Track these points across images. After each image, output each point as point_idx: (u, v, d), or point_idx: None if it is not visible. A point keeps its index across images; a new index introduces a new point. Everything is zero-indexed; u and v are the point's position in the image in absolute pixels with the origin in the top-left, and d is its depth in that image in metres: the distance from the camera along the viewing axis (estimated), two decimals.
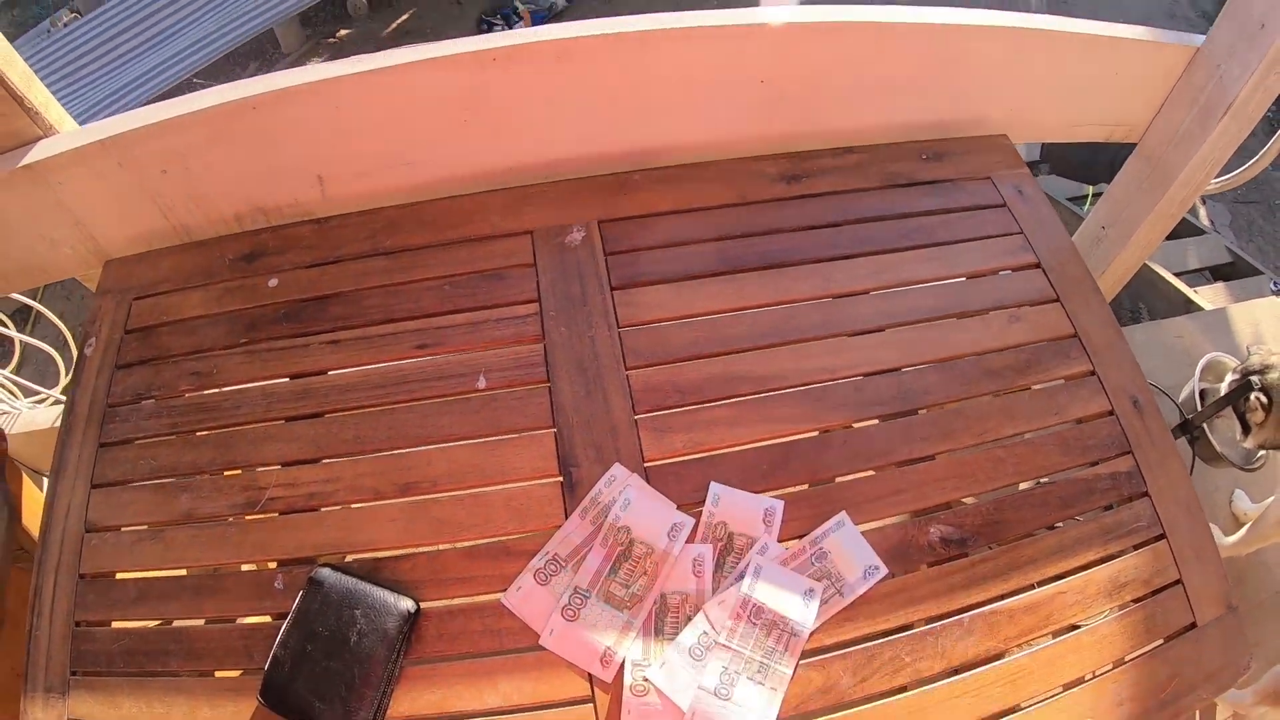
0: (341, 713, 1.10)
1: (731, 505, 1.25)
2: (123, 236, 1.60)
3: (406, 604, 1.16)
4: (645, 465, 1.29)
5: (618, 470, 1.27)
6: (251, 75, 5.98)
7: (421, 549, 1.25)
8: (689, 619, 1.16)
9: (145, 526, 1.29)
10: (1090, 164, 3.76)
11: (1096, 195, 3.91)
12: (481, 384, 1.37)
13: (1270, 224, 5.02)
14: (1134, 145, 1.92)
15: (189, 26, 5.71)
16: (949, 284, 1.53)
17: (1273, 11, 1.52)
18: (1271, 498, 1.72)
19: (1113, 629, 1.21)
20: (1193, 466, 1.98)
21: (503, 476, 1.29)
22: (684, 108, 1.63)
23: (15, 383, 2.34)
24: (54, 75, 5.05)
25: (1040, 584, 1.24)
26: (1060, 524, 1.30)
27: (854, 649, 1.16)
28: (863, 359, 1.42)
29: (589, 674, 1.13)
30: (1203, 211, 4.77)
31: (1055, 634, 1.20)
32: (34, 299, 1.93)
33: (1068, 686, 1.17)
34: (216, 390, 1.42)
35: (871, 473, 1.32)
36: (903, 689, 1.15)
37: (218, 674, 1.19)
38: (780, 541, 1.23)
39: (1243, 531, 1.84)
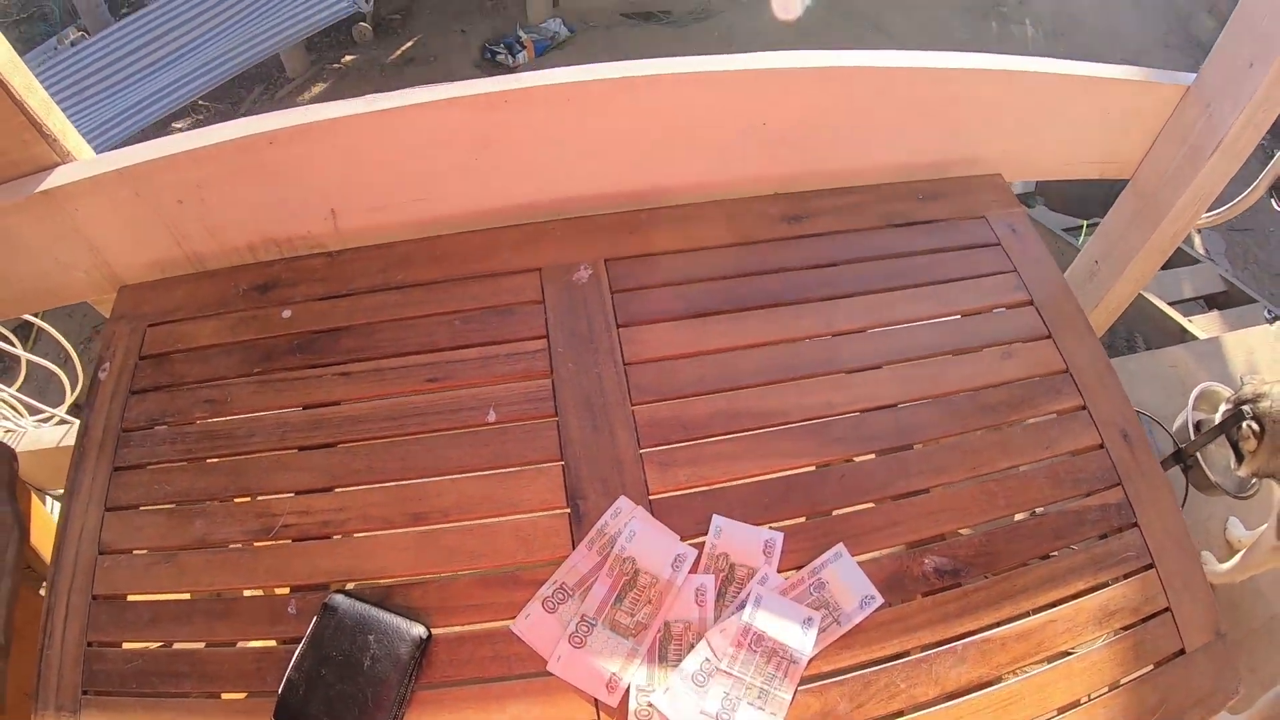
0: None
1: (733, 537, 1.28)
2: (137, 263, 1.63)
3: (418, 630, 1.19)
4: (650, 498, 1.32)
5: (623, 503, 1.30)
6: (257, 99, 6.08)
7: (432, 577, 1.27)
8: (692, 646, 1.18)
9: (159, 550, 1.31)
10: (1084, 198, 3.81)
11: (1092, 225, 3.95)
12: (491, 417, 1.40)
13: (1265, 252, 5.05)
14: (1126, 181, 1.96)
15: (196, 50, 5.73)
16: (944, 322, 1.57)
17: (1261, 51, 1.56)
18: (1265, 525, 1.74)
19: (1103, 655, 1.24)
20: (1186, 495, 2.00)
21: (512, 508, 1.32)
22: (689, 149, 1.67)
23: (21, 401, 2.32)
24: (60, 94, 5.08)
25: (1032, 612, 1.27)
26: (1052, 554, 1.33)
27: (851, 676, 1.19)
28: (861, 395, 1.45)
29: (595, 699, 1.15)
30: (1197, 240, 4.80)
31: (1047, 660, 1.23)
32: (36, 315, 1.94)
33: (1059, 711, 1.19)
34: (230, 418, 1.44)
35: (868, 506, 1.35)
36: (898, 714, 1.17)
37: (230, 696, 1.20)
38: (780, 572, 1.26)
39: (1237, 558, 1.85)
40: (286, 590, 1.27)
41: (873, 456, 1.40)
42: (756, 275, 1.60)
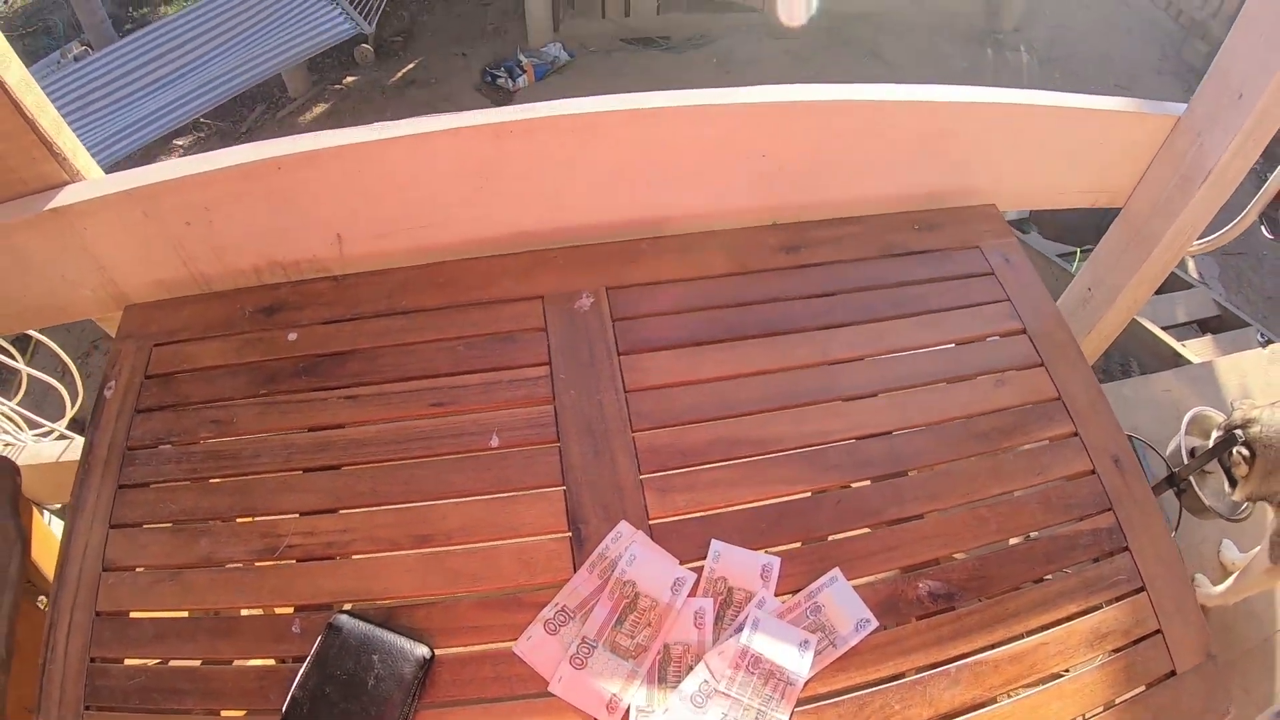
0: None
1: (731, 561, 1.30)
2: (143, 283, 1.64)
3: (421, 650, 1.20)
4: (650, 523, 1.34)
5: (624, 527, 1.32)
6: (258, 118, 6.11)
7: (435, 598, 1.28)
8: (691, 668, 1.20)
9: (163, 568, 1.32)
10: (1076, 226, 3.84)
11: (1085, 252, 3.97)
12: (494, 443, 1.42)
13: (1258, 275, 5.09)
14: (1119, 209, 1.99)
15: (199, 68, 5.77)
16: (939, 350, 1.60)
17: (1250, 82, 1.60)
18: (1258, 547, 1.74)
19: (1094, 677, 1.26)
20: (1179, 518, 2.01)
21: (514, 531, 1.33)
22: (689, 179, 1.70)
23: (20, 415, 2.32)
24: (64, 109, 5.14)
25: (1025, 635, 1.28)
26: (1044, 578, 1.35)
27: (846, 698, 1.20)
28: (856, 423, 1.48)
29: (595, 719, 1.17)
30: (1191, 265, 4.83)
31: (1039, 682, 1.25)
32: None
33: None
34: (235, 439, 1.45)
35: (864, 531, 1.37)
36: None
37: (232, 713, 1.22)
38: (777, 595, 1.28)
39: (1230, 580, 1.84)
40: (290, 610, 1.28)
41: (868, 483, 1.42)
42: (755, 304, 1.63)
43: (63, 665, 1.23)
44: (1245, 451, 1.61)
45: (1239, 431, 1.64)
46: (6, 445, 2.29)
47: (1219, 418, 1.85)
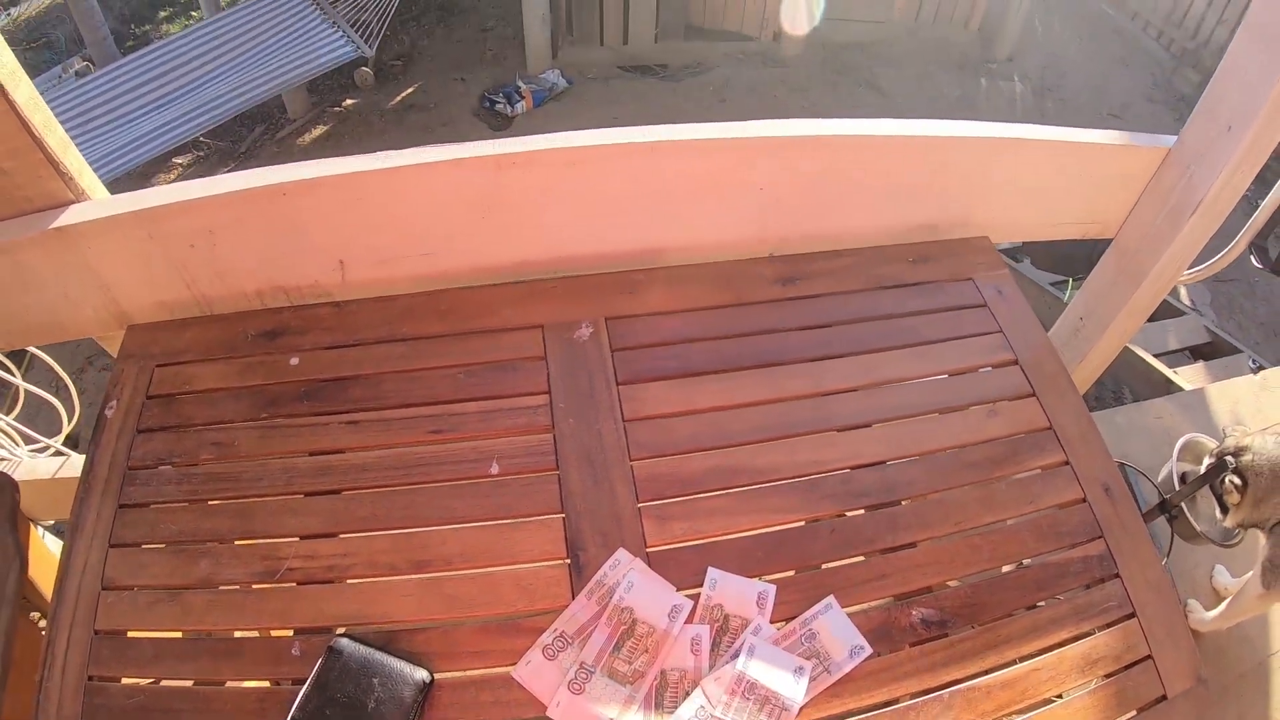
0: None
1: (727, 589, 1.31)
2: (145, 303, 1.65)
3: (421, 674, 1.20)
4: (647, 550, 1.35)
5: (622, 555, 1.33)
6: (258, 138, 6.15)
7: (435, 623, 1.28)
8: (687, 694, 1.21)
9: (163, 588, 1.31)
10: (1069, 256, 3.87)
11: (1078, 280, 4.00)
12: (494, 470, 1.43)
13: (1250, 301, 5.13)
14: (1110, 240, 2.02)
15: (200, 88, 5.79)
16: (932, 381, 1.62)
17: (1239, 115, 1.63)
18: (1250, 573, 1.74)
19: (1086, 702, 1.27)
20: (1171, 544, 2.02)
21: (513, 558, 1.34)
22: (687, 211, 1.72)
23: (17, 430, 2.31)
24: (63, 124, 5.20)
25: (1017, 661, 1.30)
26: (1036, 605, 1.36)
27: None
28: (851, 453, 1.50)
29: None
30: (1183, 291, 4.87)
31: (1032, 708, 1.26)
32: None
33: None
34: (236, 462, 1.45)
35: (858, 559, 1.38)
36: None
37: None
38: (772, 623, 1.29)
39: (1223, 606, 1.84)
40: (290, 632, 1.28)
41: (862, 512, 1.44)
42: (751, 336, 1.65)
43: (60, 683, 1.22)
44: (1237, 480, 1.62)
45: (1230, 458, 1.65)
46: (2, 460, 2.28)
47: (1211, 444, 1.86)
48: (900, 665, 1.27)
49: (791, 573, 1.36)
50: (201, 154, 6.27)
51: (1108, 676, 1.31)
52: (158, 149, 5.52)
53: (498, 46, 7.24)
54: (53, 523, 2.78)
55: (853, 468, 1.48)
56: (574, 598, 1.30)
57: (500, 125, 6.48)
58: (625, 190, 1.66)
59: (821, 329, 1.68)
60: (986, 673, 1.28)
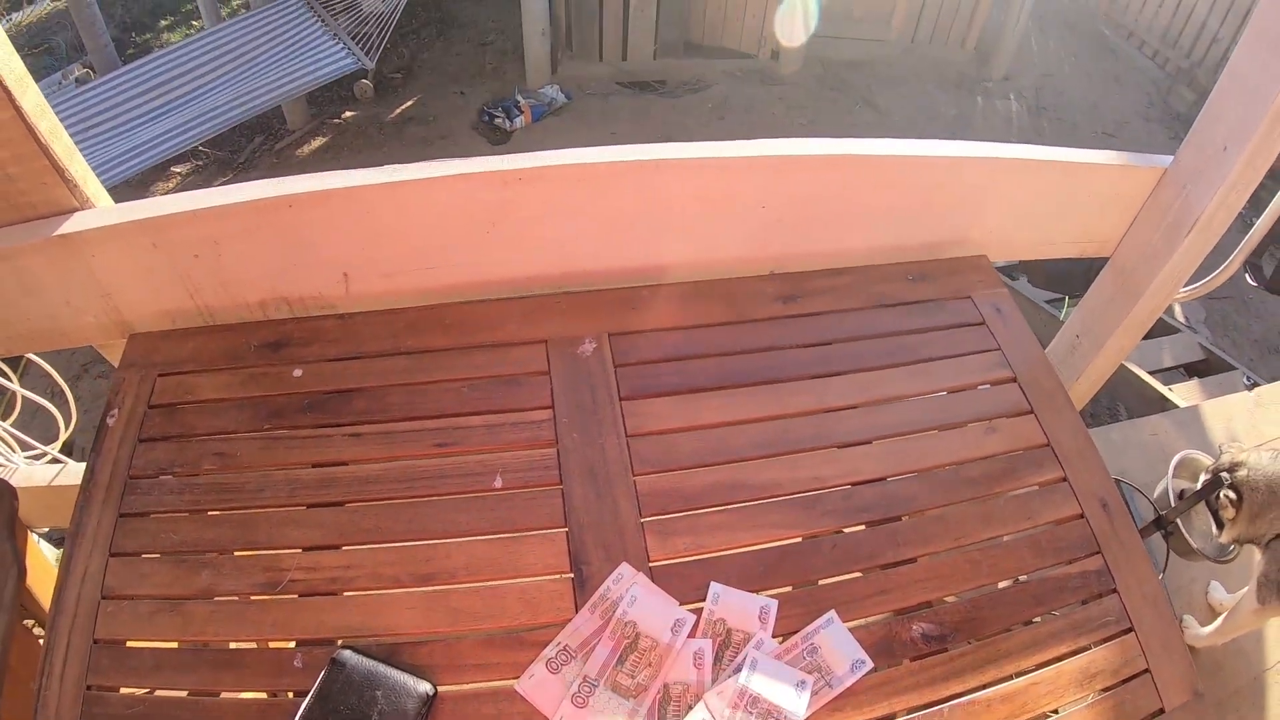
0: None
1: (730, 603, 1.32)
2: (148, 312, 1.65)
3: (425, 687, 1.20)
4: (650, 565, 1.36)
5: (625, 569, 1.34)
6: (257, 148, 6.17)
7: (438, 636, 1.28)
8: (690, 707, 1.21)
9: (164, 598, 1.31)
10: (1065, 275, 3.89)
11: (1075, 298, 4.02)
12: (498, 484, 1.44)
13: (1244, 318, 5.15)
14: (1107, 258, 2.04)
15: (200, 98, 5.78)
16: (931, 398, 1.64)
17: (1234, 135, 1.65)
18: (1245, 589, 1.75)
19: (1084, 716, 1.29)
20: (1167, 560, 2.02)
21: (517, 571, 1.35)
22: (690, 229, 1.74)
23: (14, 436, 2.29)
24: None
25: (1015, 675, 1.31)
26: (1034, 620, 1.38)
27: None
28: (851, 469, 1.51)
29: None
30: (1178, 310, 4.89)
31: None
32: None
33: None
34: (238, 473, 1.45)
35: (858, 574, 1.39)
36: None
37: None
38: (774, 637, 1.30)
39: (1219, 621, 1.84)
40: (292, 644, 1.28)
41: (862, 528, 1.45)
42: (753, 353, 1.67)
43: (58, 692, 1.22)
44: (1232, 495, 1.63)
45: (1225, 475, 1.66)
46: (0, 466, 2.27)
47: (1206, 461, 1.87)
48: (901, 679, 1.28)
49: (793, 588, 1.37)
50: (200, 163, 6.28)
51: (1105, 690, 1.32)
52: (157, 157, 5.53)
53: (497, 60, 7.27)
54: (47, 530, 2.77)
55: (853, 484, 1.49)
56: (577, 612, 1.30)
57: (499, 139, 6.50)
58: (629, 207, 1.67)
59: (822, 346, 1.69)
60: (986, 687, 1.29)
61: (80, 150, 1.55)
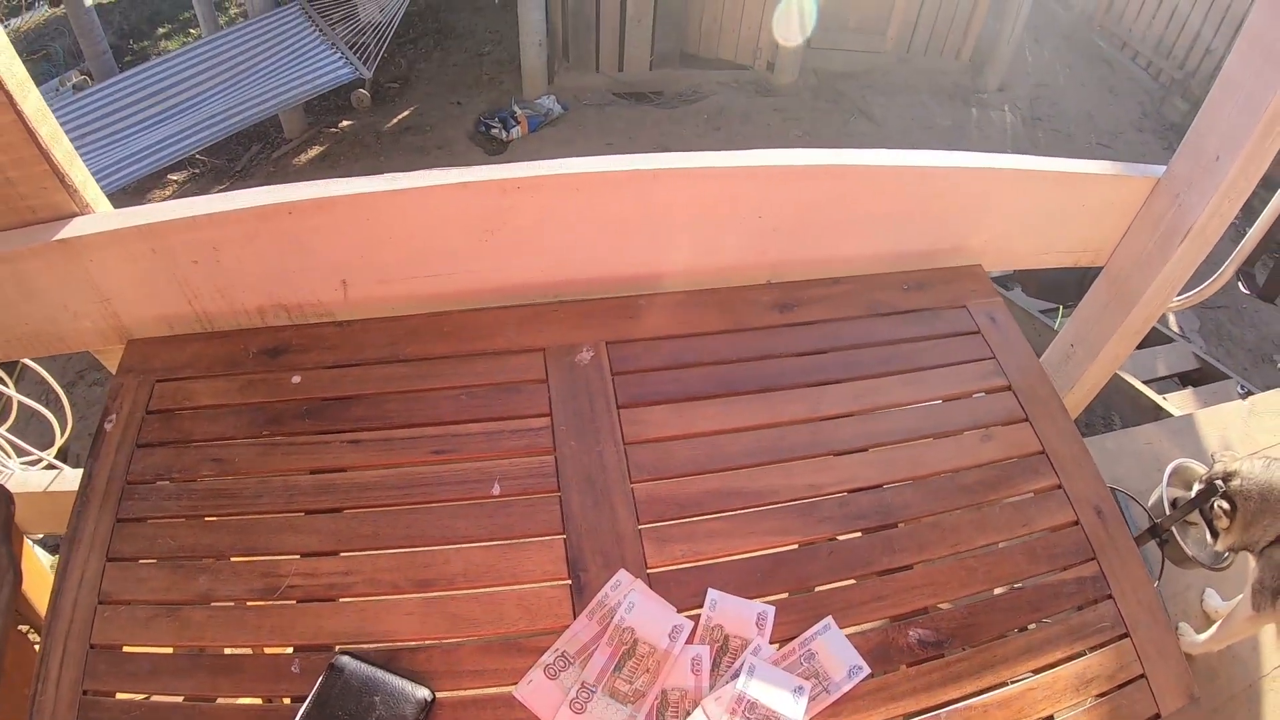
0: None
1: (727, 610, 1.33)
2: (146, 318, 1.65)
3: (423, 693, 1.21)
4: (648, 571, 1.36)
5: (622, 576, 1.34)
6: (254, 156, 6.17)
7: (437, 642, 1.29)
8: (688, 713, 1.22)
9: (161, 604, 1.31)
10: (1059, 284, 3.91)
11: (1069, 308, 4.04)
12: (496, 491, 1.44)
13: (1238, 328, 5.17)
14: (1100, 268, 2.05)
15: (198, 105, 5.80)
16: (926, 406, 1.64)
17: (1226, 145, 1.66)
18: (1240, 596, 1.75)
19: None
20: (1162, 568, 2.04)
21: (515, 578, 1.35)
22: (688, 238, 1.74)
23: (10, 442, 2.30)
24: None
25: (1012, 681, 1.32)
26: (1030, 626, 1.38)
27: None
28: (847, 476, 1.51)
29: None
30: (1172, 319, 4.91)
31: None
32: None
33: None
34: (236, 479, 1.45)
35: (855, 581, 1.40)
36: None
37: None
38: (772, 643, 1.30)
39: (1214, 629, 1.86)
40: (290, 650, 1.28)
41: (859, 534, 1.46)
42: (749, 361, 1.67)
43: (54, 697, 1.21)
44: (1226, 505, 1.64)
45: (1220, 482, 1.67)
46: None
47: (1201, 469, 1.87)
48: (898, 685, 1.29)
49: (789, 594, 1.37)
50: (197, 171, 6.29)
51: (1102, 696, 1.32)
52: (154, 165, 5.54)
53: (494, 71, 7.30)
54: (41, 536, 2.77)
55: (849, 491, 1.50)
56: (575, 618, 1.31)
57: (495, 149, 6.52)
58: (627, 216, 1.68)
59: (818, 355, 1.70)
60: (983, 692, 1.30)
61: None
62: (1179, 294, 2.03)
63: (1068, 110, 7.53)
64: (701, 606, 1.33)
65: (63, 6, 6.83)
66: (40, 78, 6.73)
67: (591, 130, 6.74)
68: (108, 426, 1.51)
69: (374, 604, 1.33)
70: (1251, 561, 1.68)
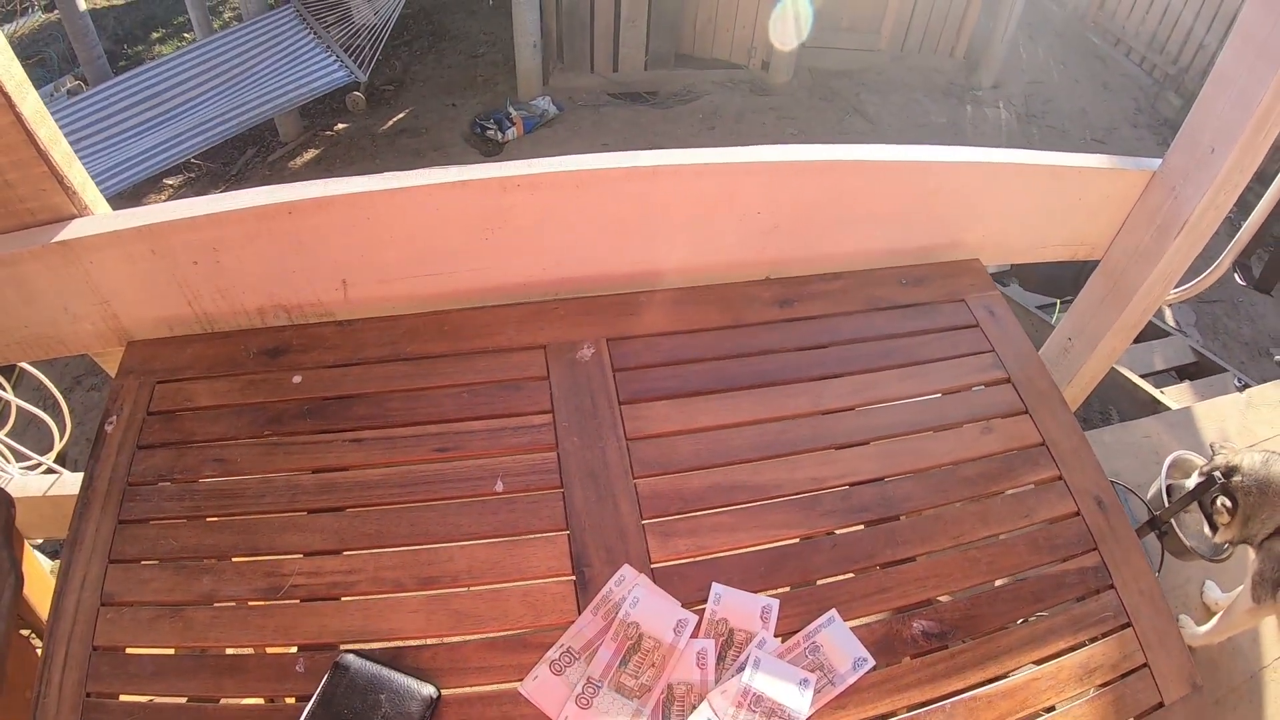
0: None
1: (731, 603, 1.33)
2: (146, 319, 1.65)
3: (428, 690, 1.20)
4: (652, 566, 1.36)
5: (626, 571, 1.34)
6: (249, 160, 6.17)
7: (441, 640, 1.29)
8: (694, 707, 1.22)
9: (164, 605, 1.30)
10: (1056, 279, 3.92)
11: (1066, 303, 4.05)
12: (499, 488, 1.44)
13: (1234, 321, 5.18)
14: (1097, 261, 2.06)
15: (193, 109, 5.79)
16: (926, 400, 1.65)
17: (1221, 138, 1.67)
18: (1240, 587, 1.76)
19: (1085, 710, 1.29)
20: (1162, 560, 2.04)
21: (519, 574, 1.35)
22: (687, 234, 1.74)
23: (9, 447, 2.30)
24: None
25: (1016, 671, 1.32)
26: (1033, 616, 1.39)
27: None
28: (848, 470, 1.52)
29: None
30: (1168, 314, 4.93)
31: (1031, 717, 1.28)
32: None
33: None
34: (238, 479, 1.45)
35: (858, 574, 1.40)
36: None
37: None
38: (776, 636, 1.30)
39: (1214, 621, 1.87)
40: (294, 649, 1.27)
41: (861, 527, 1.46)
42: (750, 356, 1.67)
43: (57, 699, 1.21)
44: (1228, 502, 1.64)
45: (1218, 474, 1.68)
46: None
47: (1199, 462, 1.88)
48: (902, 676, 1.29)
49: (793, 588, 1.38)
50: (193, 175, 6.29)
51: (1105, 685, 1.33)
52: (150, 170, 5.53)
53: (489, 72, 7.30)
54: (41, 541, 2.76)
55: (851, 484, 1.50)
56: (580, 613, 1.31)
57: (491, 151, 6.52)
58: (627, 213, 1.68)
59: (818, 349, 1.70)
60: (987, 683, 1.30)
61: None
62: (1175, 287, 2.04)
63: (1062, 107, 7.55)
64: (706, 601, 1.33)
65: (57, 12, 6.82)
66: (35, 83, 6.70)
67: (587, 131, 6.74)
68: (108, 428, 1.51)
69: (378, 602, 1.32)
70: (1251, 553, 1.68)
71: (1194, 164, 1.75)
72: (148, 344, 1.65)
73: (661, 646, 1.27)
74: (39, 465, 2.36)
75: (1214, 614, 1.96)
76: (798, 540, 1.43)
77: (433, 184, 1.56)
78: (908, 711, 1.26)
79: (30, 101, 1.40)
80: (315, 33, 6.28)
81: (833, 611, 1.33)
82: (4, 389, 2.14)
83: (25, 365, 2.11)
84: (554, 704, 1.22)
